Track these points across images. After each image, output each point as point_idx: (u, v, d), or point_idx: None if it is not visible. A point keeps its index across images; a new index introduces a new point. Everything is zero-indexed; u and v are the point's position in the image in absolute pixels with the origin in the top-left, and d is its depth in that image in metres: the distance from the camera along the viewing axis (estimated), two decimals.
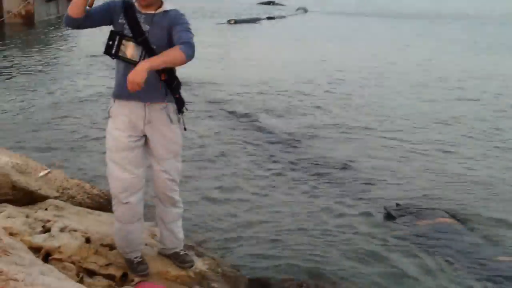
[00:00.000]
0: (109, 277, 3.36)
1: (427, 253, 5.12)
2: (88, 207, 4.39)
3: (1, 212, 3.73)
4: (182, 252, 3.68)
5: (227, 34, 25.63)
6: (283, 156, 7.84)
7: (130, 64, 3.09)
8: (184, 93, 3.44)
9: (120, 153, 3.26)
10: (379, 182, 6.95)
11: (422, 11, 46.59)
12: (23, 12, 24.33)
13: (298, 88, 13.08)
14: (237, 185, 6.61)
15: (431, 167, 7.61)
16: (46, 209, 3.98)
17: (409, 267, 4.86)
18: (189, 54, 2.99)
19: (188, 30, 3.09)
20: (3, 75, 13.11)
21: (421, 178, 7.15)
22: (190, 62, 3.03)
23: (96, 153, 7.20)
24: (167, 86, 3.25)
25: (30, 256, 2.48)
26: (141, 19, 3.16)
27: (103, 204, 4.59)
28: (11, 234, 3.29)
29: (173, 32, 3.09)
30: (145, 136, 3.31)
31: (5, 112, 9.50)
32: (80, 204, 4.40)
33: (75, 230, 3.65)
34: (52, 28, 24.12)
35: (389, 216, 5.89)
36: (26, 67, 14.29)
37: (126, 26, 3.17)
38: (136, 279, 3.39)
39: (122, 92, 3.23)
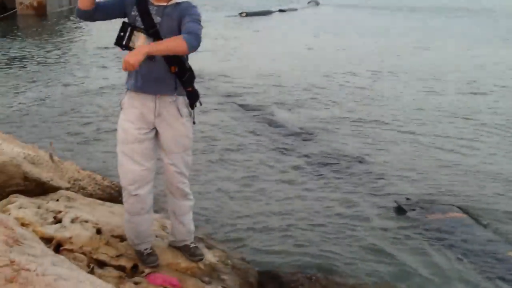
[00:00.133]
0: (120, 268, 3.37)
1: (437, 248, 5.09)
2: (99, 198, 4.42)
3: (13, 203, 3.75)
4: (192, 245, 3.69)
5: (238, 27, 25.58)
6: (295, 149, 7.82)
7: None
8: (195, 86, 3.42)
9: (130, 145, 3.27)
10: (391, 176, 6.90)
11: (434, 4, 46.13)
12: (35, 4, 24.51)
13: (311, 81, 13.02)
14: (248, 178, 6.61)
15: (445, 161, 7.54)
16: (57, 200, 4.00)
17: (419, 262, 4.84)
18: (192, 44, 2.94)
19: (196, 21, 3.06)
20: (16, 66, 13.20)
21: (434, 172, 7.09)
22: (202, 55, 3.02)
23: (108, 145, 7.22)
24: (178, 79, 3.24)
25: (41, 246, 2.49)
26: (153, 11, 3.15)
27: (114, 195, 4.62)
28: (23, 224, 3.30)
29: (182, 23, 3.07)
30: (155, 128, 3.32)
31: (18, 103, 9.55)
32: (91, 196, 4.43)
33: (86, 221, 3.67)
34: (64, 19, 24.23)
35: (400, 210, 5.86)
36: (38, 58, 14.37)
37: (138, 18, 3.17)
38: (147, 271, 3.40)
39: (133, 84, 3.25)
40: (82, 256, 3.31)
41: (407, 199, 6.10)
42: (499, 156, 7.90)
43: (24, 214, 3.59)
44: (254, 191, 6.24)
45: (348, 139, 8.47)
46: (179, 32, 3.08)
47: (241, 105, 10.36)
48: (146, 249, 3.49)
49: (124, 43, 3.10)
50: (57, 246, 3.37)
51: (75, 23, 22.07)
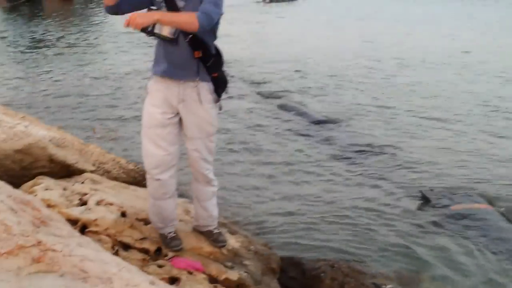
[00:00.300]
0: (144, 251, 3.39)
1: (461, 239, 5.03)
2: (123, 181, 4.45)
3: (39, 184, 3.80)
4: (215, 231, 3.69)
5: (263, 13, 25.43)
6: (318, 137, 7.77)
7: (166, 41, 3.09)
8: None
9: (154, 129, 3.27)
10: (416, 165, 6.81)
11: None
12: None
13: (336, 68, 12.88)
14: (272, 165, 6.59)
15: (473, 151, 7.39)
16: (82, 183, 4.04)
17: (441, 252, 4.79)
18: (203, 24, 2.90)
19: (214, 2, 2.99)
20: (40, 50, 13.32)
21: (461, 162, 6.97)
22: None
23: (132, 129, 7.27)
24: (202, 64, 3.21)
25: (68, 227, 2.50)
26: None
27: (138, 179, 4.64)
28: (48, 206, 3.33)
29: (202, 3, 3.02)
30: (180, 114, 3.31)
31: (43, 88, 9.65)
32: (115, 179, 4.45)
33: (111, 204, 3.69)
34: (90, 4, 24.33)
35: (424, 200, 5.80)
36: (64, 43, 14.49)
37: (163, 4, 3.14)
38: (170, 254, 3.42)
39: (158, 69, 3.24)
40: (107, 238, 3.34)
41: (431, 189, 6.03)
42: None
43: (50, 196, 3.63)
44: (277, 178, 6.23)
45: (373, 127, 8.38)
46: None
47: (264, 92, 10.31)
48: (170, 232, 3.51)
49: (149, 29, 3.10)
50: (82, 228, 3.41)
51: (100, 7, 22.15)
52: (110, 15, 3.28)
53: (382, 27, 21.48)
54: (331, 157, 7.00)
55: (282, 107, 9.28)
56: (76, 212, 3.52)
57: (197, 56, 3.16)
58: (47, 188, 3.75)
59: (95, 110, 8.38)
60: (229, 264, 3.54)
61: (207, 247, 3.60)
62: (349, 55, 14.74)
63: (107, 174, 4.46)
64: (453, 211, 5.55)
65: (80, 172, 4.22)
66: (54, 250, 2.05)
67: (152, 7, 3.15)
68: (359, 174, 6.46)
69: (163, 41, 3.14)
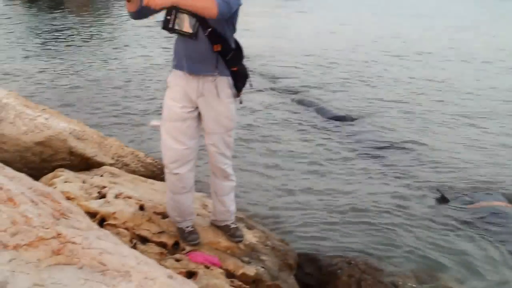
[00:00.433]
0: (161, 244, 3.41)
1: (479, 237, 5.00)
2: (141, 175, 4.48)
3: (59, 177, 3.83)
4: (233, 226, 3.69)
5: (283, 6, 25.32)
6: (337, 133, 7.73)
7: (186, 36, 3.10)
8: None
9: (173, 123, 3.27)
10: (437, 162, 6.76)
11: None
12: None
13: (357, 63, 12.79)
14: (290, 161, 6.57)
15: (496, 149, 7.32)
16: (101, 176, 4.07)
17: (459, 251, 4.76)
18: (222, 11, 2.91)
19: None
20: (62, 43, 13.41)
21: (481, 160, 6.91)
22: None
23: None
24: (221, 58, 3.20)
25: (87, 220, 2.53)
26: None
27: (156, 173, 4.68)
28: (68, 198, 3.36)
29: None
30: (198, 108, 3.31)
31: (64, 80, 9.71)
32: (133, 172, 4.49)
33: (129, 197, 3.72)
34: None
35: (444, 198, 5.74)
36: (83, 36, 14.56)
37: None
38: (188, 248, 3.43)
39: (178, 64, 3.26)
40: (125, 231, 3.36)
41: (451, 187, 5.97)
42: None
43: (70, 188, 3.67)
44: (295, 173, 6.21)
45: (395, 123, 8.32)
46: None
47: (284, 86, 10.28)
48: (188, 227, 3.52)
49: (170, 26, 3.10)
50: (101, 221, 3.43)
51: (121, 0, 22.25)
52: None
53: (407, 21, 21.27)
54: (351, 153, 6.97)
55: (302, 102, 9.24)
56: (95, 205, 3.55)
57: (217, 50, 3.15)
58: (66, 181, 3.78)
59: (114, 103, 8.42)
60: (246, 259, 3.55)
61: (224, 242, 3.60)
62: (370, 50, 14.64)
63: (125, 167, 4.49)
64: (472, 209, 5.49)
65: (99, 165, 4.26)
66: (73, 243, 2.06)
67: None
68: (379, 171, 6.42)
69: (183, 37, 3.14)
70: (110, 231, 2.88)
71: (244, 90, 3.38)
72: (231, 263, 3.42)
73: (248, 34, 13.30)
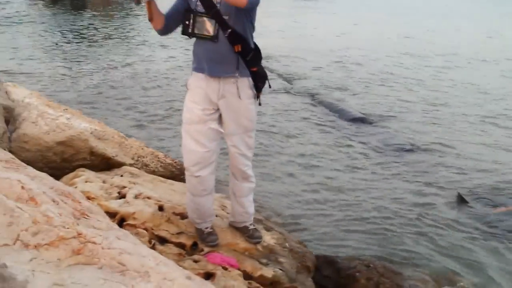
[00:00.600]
0: (180, 245, 3.42)
1: (499, 243, 4.94)
2: (160, 175, 4.49)
3: (80, 177, 3.87)
4: (251, 227, 3.69)
5: (305, 7, 25.25)
6: (357, 135, 7.70)
7: (206, 39, 3.11)
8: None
9: (194, 125, 3.28)
10: (460, 165, 6.73)
11: None
12: None
13: (378, 64, 12.73)
14: (308, 163, 6.56)
15: None
16: (121, 176, 4.10)
17: (478, 255, 4.72)
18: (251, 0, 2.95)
19: None
20: (84, 43, 13.54)
21: (503, 164, 6.82)
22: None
23: (171, 124, 7.34)
24: (241, 58, 3.20)
25: (107, 220, 2.55)
26: None
27: (175, 173, 4.69)
28: (88, 198, 3.39)
29: None
30: (219, 110, 3.31)
31: (85, 81, 9.81)
32: (153, 173, 4.50)
33: (149, 198, 3.73)
34: None
35: (462, 202, 5.68)
36: (105, 37, 14.69)
37: (198, 3, 3.15)
38: (206, 249, 3.43)
39: (198, 66, 3.26)
40: (144, 231, 3.38)
41: (473, 191, 5.91)
42: None
43: (90, 188, 3.70)
44: (314, 176, 6.20)
45: (416, 125, 8.27)
46: (237, 10, 3.06)
47: (303, 87, 10.27)
48: (207, 228, 3.52)
49: (190, 31, 3.12)
50: (121, 221, 3.46)
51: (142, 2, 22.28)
52: None
53: (431, 23, 21.06)
54: (372, 156, 6.93)
55: (322, 103, 9.21)
56: (115, 205, 3.58)
57: (237, 51, 3.16)
58: (87, 181, 3.82)
59: (135, 104, 8.48)
60: (264, 261, 3.54)
61: (242, 243, 3.60)
62: (391, 50, 14.53)
63: (145, 167, 4.52)
64: (496, 213, 5.43)
65: (120, 165, 4.29)
66: (93, 243, 2.08)
67: (187, 9, 3.17)
68: (400, 174, 6.37)
69: (203, 40, 3.15)
70: (130, 231, 2.90)
71: (263, 91, 3.37)
72: (249, 265, 3.42)
73: (265, 34, 13.32)
